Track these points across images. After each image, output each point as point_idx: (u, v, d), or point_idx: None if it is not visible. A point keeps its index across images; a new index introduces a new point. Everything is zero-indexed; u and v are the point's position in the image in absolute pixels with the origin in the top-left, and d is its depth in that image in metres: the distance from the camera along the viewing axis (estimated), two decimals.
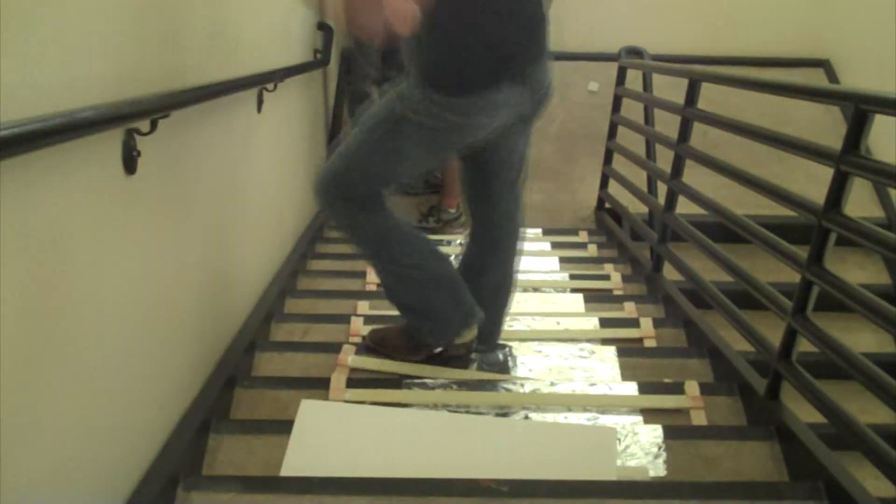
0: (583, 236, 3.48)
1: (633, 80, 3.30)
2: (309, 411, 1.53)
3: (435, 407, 1.82)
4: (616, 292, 2.74)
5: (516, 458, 1.59)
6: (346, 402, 1.82)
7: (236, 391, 1.86)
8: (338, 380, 1.87)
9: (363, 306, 2.46)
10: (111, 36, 1.18)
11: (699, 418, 1.82)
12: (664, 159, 2.70)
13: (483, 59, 1.65)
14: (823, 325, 1.58)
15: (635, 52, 3.28)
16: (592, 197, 3.70)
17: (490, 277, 2.01)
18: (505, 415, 1.81)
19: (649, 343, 2.26)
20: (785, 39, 4.38)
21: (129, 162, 1.24)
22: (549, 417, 1.82)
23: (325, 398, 1.84)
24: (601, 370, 2.08)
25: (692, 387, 1.89)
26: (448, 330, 1.95)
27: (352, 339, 2.19)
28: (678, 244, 2.55)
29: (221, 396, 1.75)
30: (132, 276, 1.29)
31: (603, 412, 1.84)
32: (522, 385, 1.95)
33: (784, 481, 1.59)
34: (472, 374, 2.01)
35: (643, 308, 2.55)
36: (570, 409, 1.85)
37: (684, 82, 2.43)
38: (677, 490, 1.52)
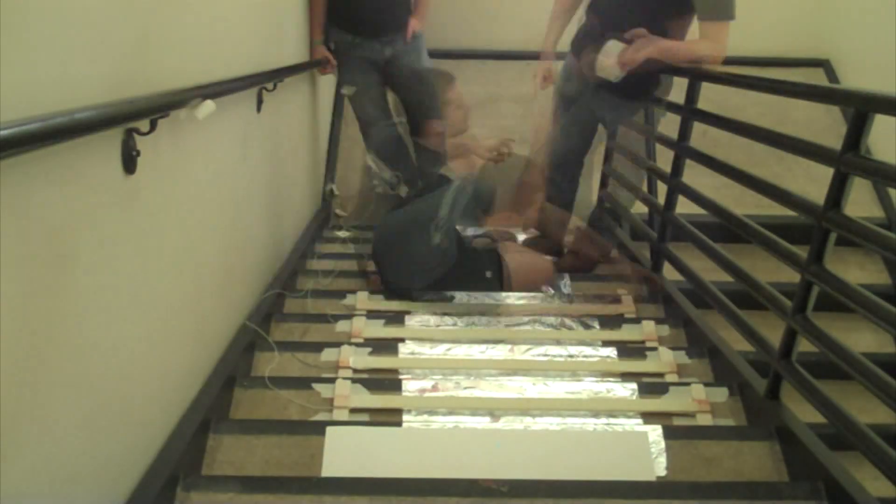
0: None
1: None
2: (335, 436, 1.66)
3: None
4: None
5: (553, 466, 1.63)
6: (352, 409, 1.82)
7: (236, 391, 1.86)
8: (342, 386, 1.88)
9: (363, 304, 2.47)
10: (111, 36, 1.18)
11: (704, 421, 1.82)
12: (664, 159, 2.70)
13: None
14: (823, 325, 1.58)
15: None
16: (592, 197, 3.69)
17: None
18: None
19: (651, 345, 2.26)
20: (785, 39, 4.38)
21: (129, 162, 1.24)
22: (546, 419, 1.82)
23: (329, 398, 1.84)
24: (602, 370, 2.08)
25: (697, 390, 1.88)
26: None
27: (353, 340, 2.19)
28: (678, 244, 2.54)
29: (221, 396, 1.75)
30: (132, 276, 1.29)
31: (604, 414, 1.84)
32: (525, 377, 1.96)
33: (784, 481, 1.59)
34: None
35: (643, 308, 2.55)
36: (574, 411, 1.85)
37: (684, 82, 2.43)
38: (677, 490, 1.52)
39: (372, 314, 2.39)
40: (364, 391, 1.88)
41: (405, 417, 1.78)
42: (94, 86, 1.11)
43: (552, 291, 2.73)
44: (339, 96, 4.19)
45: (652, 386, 1.96)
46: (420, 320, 2.31)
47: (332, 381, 1.90)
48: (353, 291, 2.55)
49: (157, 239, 1.41)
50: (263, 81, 2.20)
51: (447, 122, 2.54)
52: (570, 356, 2.14)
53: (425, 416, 1.79)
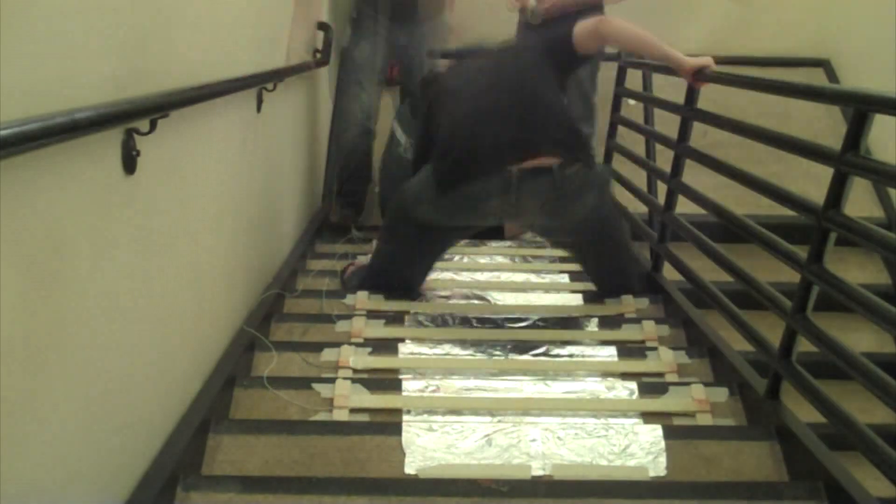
0: None
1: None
2: None
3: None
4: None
5: None
6: (352, 409, 1.82)
7: (236, 391, 1.86)
8: (342, 386, 1.88)
9: (363, 303, 2.47)
10: (111, 36, 1.18)
11: (704, 421, 1.82)
12: (664, 159, 2.70)
13: None
14: (823, 325, 1.58)
15: None
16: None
17: None
18: None
19: (651, 344, 2.26)
20: (785, 39, 4.38)
21: (129, 162, 1.24)
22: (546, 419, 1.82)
23: (329, 398, 1.85)
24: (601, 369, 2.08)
25: (697, 390, 1.88)
26: None
27: (353, 340, 2.19)
28: (678, 244, 2.54)
29: (221, 396, 1.75)
30: (131, 276, 1.29)
31: (602, 414, 1.84)
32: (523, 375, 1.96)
33: (784, 481, 1.59)
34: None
35: (643, 308, 2.55)
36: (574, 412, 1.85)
37: (684, 82, 2.43)
38: (677, 490, 1.52)
39: (372, 314, 2.39)
40: (364, 391, 1.88)
41: (405, 417, 1.78)
42: (94, 86, 1.11)
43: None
44: (339, 96, 4.18)
45: (652, 386, 1.96)
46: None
47: (332, 381, 1.90)
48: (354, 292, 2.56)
49: (156, 239, 1.41)
50: (263, 81, 2.20)
51: None
52: (570, 356, 2.14)
53: (425, 416, 1.79)
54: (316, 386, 1.88)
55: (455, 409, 1.84)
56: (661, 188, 2.65)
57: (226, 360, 1.87)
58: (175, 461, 1.43)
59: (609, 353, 2.15)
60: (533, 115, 2.13)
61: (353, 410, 1.83)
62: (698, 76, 2.19)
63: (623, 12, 4.23)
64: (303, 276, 2.77)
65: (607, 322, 2.39)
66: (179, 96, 1.42)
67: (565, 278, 2.88)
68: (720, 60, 2.21)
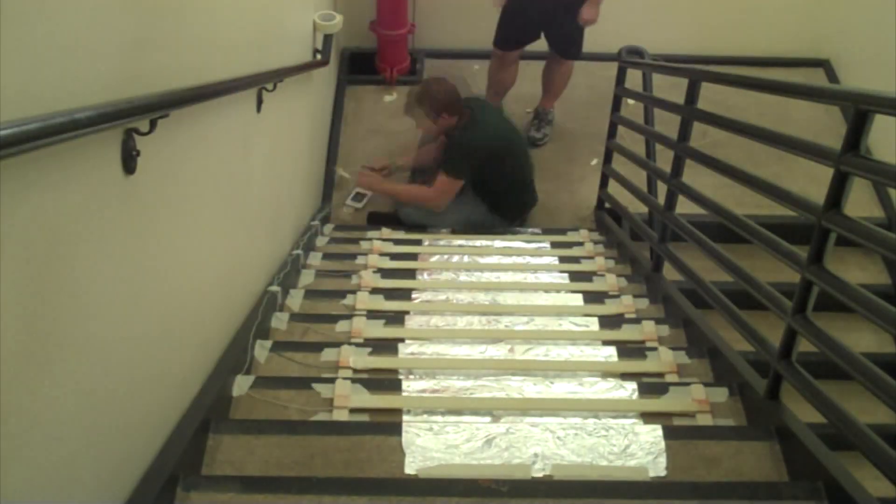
0: (583, 235, 3.48)
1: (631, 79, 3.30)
2: None
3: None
4: (612, 293, 2.73)
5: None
6: (352, 409, 1.82)
7: (234, 390, 1.86)
8: (342, 386, 1.88)
9: (363, 304, 2.47)
10: (111, 36, 1.17)
11: (704, 421, 1.83)
12: (664, 159, 2.70)
13: None
14: (823, 325, 1.58)
15: (635, 52, 3.28)
16: (592, 197, 3.70)
17: None
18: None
19: (651, 345, 2.26)
20: (785, 39, 4.38)
21: (129, 162, 1.24)
22: (546, 419, 1.82)
23: (329, 398, 1.85)
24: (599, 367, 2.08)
25: (697, 390, 1.89)
26: None
27: (353, 340, 2.19)
28: (678, 244, 2.54)
29: (221, 396, 1.75)
30: (131, 276, 1.29)
31: (603, 414, 1.84)
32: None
33: (784, 481, 1.59)
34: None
35: (643, 308, 2.55)
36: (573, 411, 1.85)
37: (684, 82, 2.43)
38: (677, 490, 1.52)
39: (372, 314, 2.39)
40: (364, 391, 1.88)
41: (405, 418, 1.78)
42: (94, 86, 1.11)
43: None
44: (340, 96, 4.19)
45: (652, 386, 1.96)
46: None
47: (332, 381, 1.90)
48: (354, 292, 2.56)
49: (156, 239, 1.41)
50: (263, 81, 2.20)
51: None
52: (570, 356, 2.14)
53: (425, 416, 1.79)
54: (316, 386, 1.88)
55: (455, 409, 1.85)
56: (662, 188, 2.65)
57: (225, 359, 1.87)
58: (175, 461, 1.44)
59: (609, 353, 2.16)
60: None
61: (353, 410, 1.83)
62: None
63: (622, 11, 4.24)
64: (303, 275, 2.78)
65: (607, 322, 2.39)
66: (179, 96, 1.42)
67: (565, 278, 2.89)
68: (720, 60, 2.21)
